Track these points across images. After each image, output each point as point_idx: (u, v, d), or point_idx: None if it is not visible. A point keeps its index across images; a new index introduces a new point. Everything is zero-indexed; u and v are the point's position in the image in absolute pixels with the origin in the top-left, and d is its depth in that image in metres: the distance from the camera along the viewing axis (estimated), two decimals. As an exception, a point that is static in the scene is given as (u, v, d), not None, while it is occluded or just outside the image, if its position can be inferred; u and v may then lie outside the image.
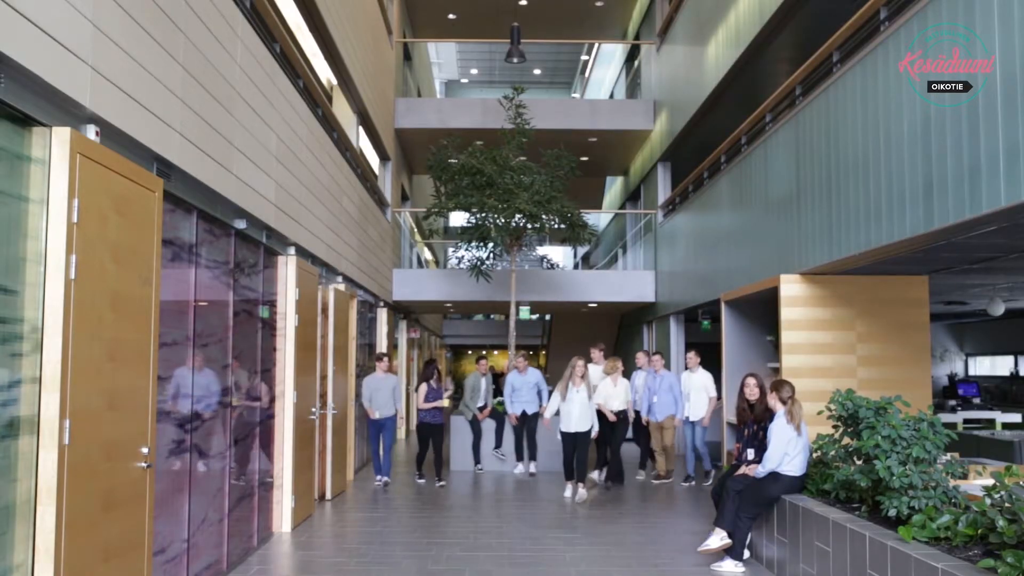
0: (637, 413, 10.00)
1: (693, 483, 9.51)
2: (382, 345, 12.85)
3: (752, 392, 6.28)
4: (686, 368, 10.01)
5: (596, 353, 10.25)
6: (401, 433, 15.08)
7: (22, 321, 3.14)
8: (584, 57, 23.30)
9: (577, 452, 8.66)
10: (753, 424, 6.14)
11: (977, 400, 16.85)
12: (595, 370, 9.84)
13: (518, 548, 6.43)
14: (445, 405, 9.74)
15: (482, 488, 9.48)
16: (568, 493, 8.75)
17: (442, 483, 9.55)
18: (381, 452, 9.54)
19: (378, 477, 9.48)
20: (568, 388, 8.62)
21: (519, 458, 10.73)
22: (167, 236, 4.44)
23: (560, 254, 29.68)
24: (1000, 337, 19.30)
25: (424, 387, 9.61)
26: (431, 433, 9.68)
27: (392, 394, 9.52)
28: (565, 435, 8.67)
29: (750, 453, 6.05)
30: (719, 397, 9.64)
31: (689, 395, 9.72)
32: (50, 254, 3.24)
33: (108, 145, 3.67)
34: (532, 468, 10.53)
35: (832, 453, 5.40)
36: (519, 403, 10.51)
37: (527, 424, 10.56)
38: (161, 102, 4.17)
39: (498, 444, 11.02)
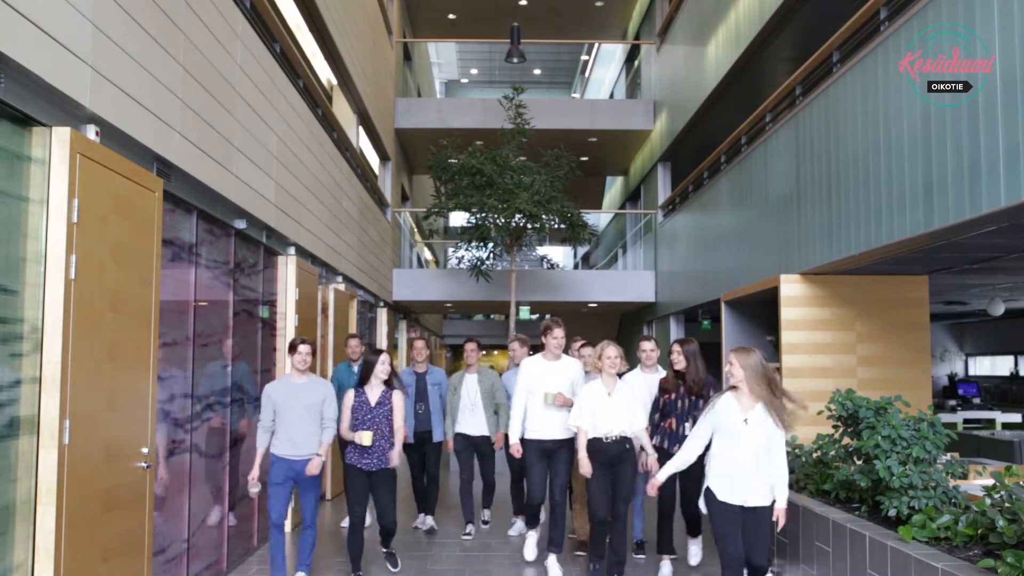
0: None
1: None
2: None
3: (677, 360, 5.57)
4: (639, 366, 6.09)
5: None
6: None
7: (22, 321, 3.14)
8: (584, 57, 23.30)
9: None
10: (688, 396, 5.52)
11: (977, 400, 16.86)
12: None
13: (518, 548, 6.42)
14: (367, 442, 5.11)
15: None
16: None
17: None
18: (288, 527, 5.61)
19: None
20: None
21: (518, 511, 7.08)
22: (167, 236, 4.44)
23: (560, 254, 29.69)
24: (1000, 337, 19.29)
25: (349, 399, 5.33)
26: (368, 486, 5.36)
27: (317, 415, 5.08)
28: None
29: (687, 427, 5.42)
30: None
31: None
32: (50, 254, 3.24)
33: (108, 145, 3.67)
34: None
35: (832, 453, 5.40)
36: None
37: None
38: (161, 102, 4.17)
39: (485, 502, 7.33)
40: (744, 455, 4.15)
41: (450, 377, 7.05)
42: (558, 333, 5.84)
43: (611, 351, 5.37)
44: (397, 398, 5.40)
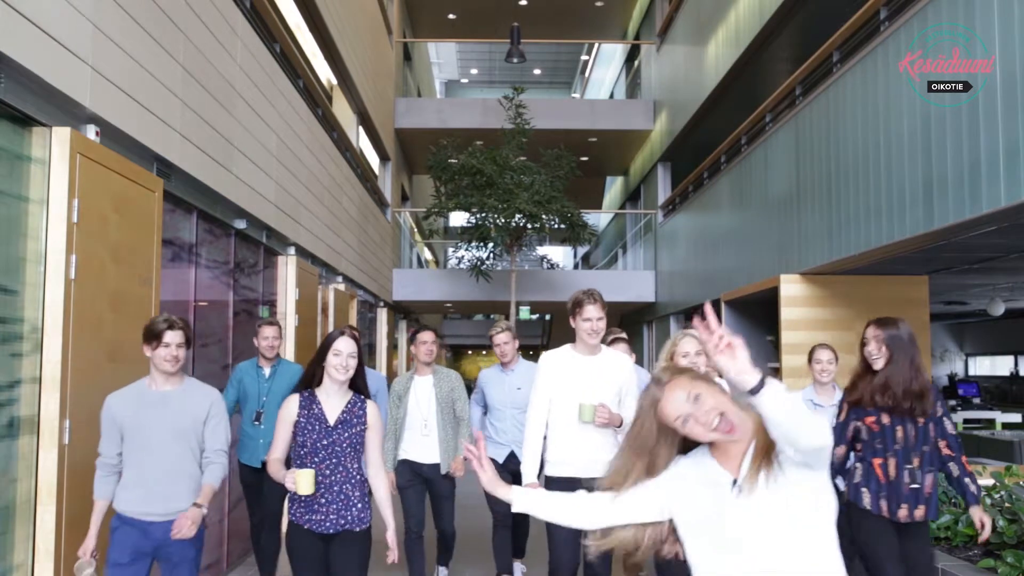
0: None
1: None
2: (381, 348, 12.73)
3: (879, 351, 3.38)
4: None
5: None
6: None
7: (22, 321, 3.14)
8: (584, 57, 23.30)
9: None
10: (911, 416, 3.32)
11: (977, 400, 16.85)
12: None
13: (518, 548, 6.41)
14: (305, 489, 2.99)
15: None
16: None
17: None
18: None
19: None
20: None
21: (514, 555, 5.43)
22: (167, 236, 4.44)
23: (560, 254, 29.66)
24: (1000, 337, 19.30)
25: (291, 410, 3.17)
26: (326, 558, 3.29)
27: (194, 445, 3.16)
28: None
29: (916, 474, 3.29)
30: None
31: None
32: (50, 254, 3.24)
33: (108, 145, 3.67)
34: None
35: (832, 453, 5.39)
36: (503, 437, 5.09)
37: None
38: (161, 102, 4.17)
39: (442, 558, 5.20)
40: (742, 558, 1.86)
41: (392, 382, 5.05)
42: (590, 312, 3.61)
43: (688, 345, 3.38)
44: (373, 414, 3.27)
